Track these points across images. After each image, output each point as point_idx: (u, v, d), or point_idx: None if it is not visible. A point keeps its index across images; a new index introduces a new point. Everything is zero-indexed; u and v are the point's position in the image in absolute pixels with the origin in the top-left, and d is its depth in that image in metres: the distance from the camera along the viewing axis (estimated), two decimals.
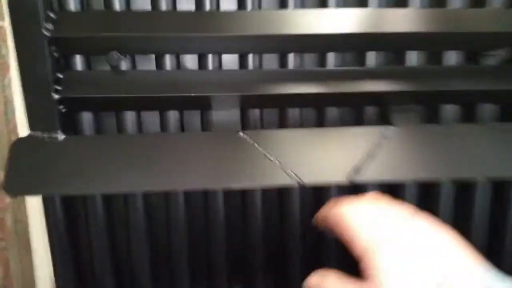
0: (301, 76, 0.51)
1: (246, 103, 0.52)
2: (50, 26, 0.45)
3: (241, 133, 0.50)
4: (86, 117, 0.53)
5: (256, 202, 0.56)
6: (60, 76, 0.48)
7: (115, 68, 0.50)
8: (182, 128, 0.55)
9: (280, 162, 0.48)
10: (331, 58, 0.53)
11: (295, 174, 0.48)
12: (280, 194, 0.58)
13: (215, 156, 0.48)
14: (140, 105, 0.52)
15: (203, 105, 0.52)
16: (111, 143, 0.49)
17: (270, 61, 0.54)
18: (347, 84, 0.51)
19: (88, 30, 0.46)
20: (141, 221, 0.56)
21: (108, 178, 0.47)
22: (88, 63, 0.52)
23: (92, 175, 0.47)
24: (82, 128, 0.53)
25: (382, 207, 0.32)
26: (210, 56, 0.52)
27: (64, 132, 0.49)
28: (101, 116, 0.54)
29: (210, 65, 0.52)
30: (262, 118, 0.55)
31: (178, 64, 0.53)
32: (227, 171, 0.48)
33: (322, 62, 0.54)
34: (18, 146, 0.48)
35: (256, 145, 0.49)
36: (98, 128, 0.54)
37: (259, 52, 0.53)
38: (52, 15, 0.45)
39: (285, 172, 0.48)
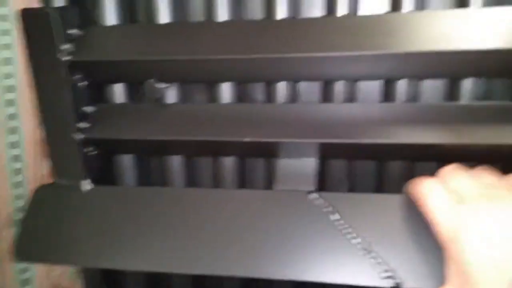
0: (418, 114, 0.33)
1: (329, 152, 0.36)
2: (69, 47, 0.35)
3: (313, 195, 0.33)
4: (126, 160, 0.42)
5: None
6: (88, 110, 0.38)
7: (157, 100, 0.38)
8: (241, 177, 0.40)
9: (369, 250, 0.31)
10: (467, 86, 0.34)
11: (391, 271, 0.30)
12: None
13: (271, 230, 0.33)
14: (188, 149, 0.40)
15: (268, 152, 0.37)
16: (147, 198, 0.37)
17: (366, 90, 0.37)
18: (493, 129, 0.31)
19: (119, 51, 0.35)
20: None
21: (137, 250, 0.35)
22: (131, 93, 0.41)
23: (118, 243, 0.35)
24: (121, 173, 0.42)
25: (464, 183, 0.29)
26: (281, 84, 0.37)
27: (99, 178, 0.39)
28: (144, 158, 0.43)
29: (281, 96, 0.37)
30: (352, 172, 0.39)
31: (238, 95, 0.39)
32: (283, 254, 0.32)
33: (452, 92, 0.35)
34: (38, 195, 0.39)
35: (334, 216, 0.32)
36: (140, 174, 0.43)
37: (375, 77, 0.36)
38: (75, 31, 0.35)
39: (376, 266, 0.30)
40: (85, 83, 0.37)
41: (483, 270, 0.25)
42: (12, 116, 0.38)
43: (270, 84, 0.38)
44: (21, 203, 0.40)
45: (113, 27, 0.37)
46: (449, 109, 0.33)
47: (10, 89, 0.37)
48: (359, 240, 0.31)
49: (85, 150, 0.38)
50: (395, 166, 0.37)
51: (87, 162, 0.38)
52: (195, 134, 0.36)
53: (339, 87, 0.36)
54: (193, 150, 0.40)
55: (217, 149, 0.39)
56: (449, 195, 0.28)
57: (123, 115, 0.38)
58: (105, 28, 0.37)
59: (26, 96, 0.38)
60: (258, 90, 0.39)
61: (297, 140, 0.33)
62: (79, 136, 0.37)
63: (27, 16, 0.34)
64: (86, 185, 0.38)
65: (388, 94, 0.36)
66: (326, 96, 0.37)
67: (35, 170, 0.40)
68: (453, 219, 0.27)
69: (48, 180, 0.42)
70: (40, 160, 0.41)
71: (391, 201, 0.32)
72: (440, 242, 0.28)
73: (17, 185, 0.39)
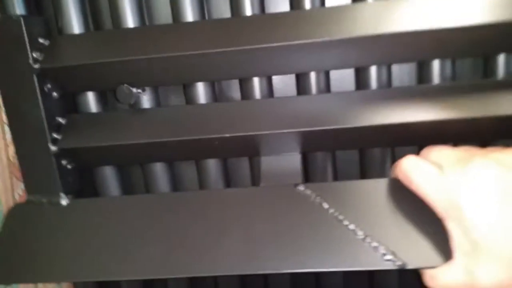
0: (392, 97, 0.34)
1: (311, 143, 0.36)
2: (39, 55, 0.34)
3: (301, 187, 0.33)
4: (107, 172, 0.40)
5: None
6: (61, 120, 0.37)
7: (131, 106, 0.38)
8: (226, 179, 0.40)
9: (365, 234, 0.31)
10: (436, 67, 0.35)
11: (391, 253, 0.30)
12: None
13: (263, 225, 0.32)
14: (168, 153, 0.39)
15: (251, 149, 0.37)
16: (130, 206, 0.35)
17: (340, 79, 0.38)
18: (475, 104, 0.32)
19: (89, 56, 0.34)
20: None
21: (125, 258, 0.33)
22: (104, 102, 0.40)
23: (103, 255, 0.33)
24: (102, 187, 0.41)
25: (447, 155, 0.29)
26: (256, 80, 0.37)
27: (79, 193, 0.37)
28: (125, 169, 0.42)
29: (257, 92, 0.37)
30: (334, 163, 0.39)
31: (214, 95, 0.39)
32: (280, 247, 0.31)
33: (422, 75, 0.36)
34: (12, 215, 0.37)
35: (325, 205, 0.32)
36: (122, 185, 0.41)
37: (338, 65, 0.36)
38: (42, 41, 0.34)
39: (376, 249, 0.30)
40: (56, 93, 0.36)
41: (490, 228, 0.25)
42: None
43: (245, 81, 0.38)
44: None
45: (79, 35, 0.36)
46: (422, 90, 0.34)
47: None
48: (353, 226, 0.31)
49: (60, 162, 0.36)
50: (376, 154, 0.37)
51: (63, 175, 0.37)
52: (173, 135, 0.35)
53: (313, 78, 0.36)
54: (173, 154, 0.39)
55: (198, 151, 0.38)
56: (432, 167, 0.28)
57: (97, 123, 0.37)
58: (72, 36, 0.36)
59: None
60: (233, 88, 0.39)
61: (278, 131, 0.33)
62: (53, 148, 0.35)
63: None
64: (64, 199, 0.36)
65: (361, 82, 0.36)
66: (301, 88, 0.37)
67: (7, 194, 0.38)
68: (444, 189, 0.27)
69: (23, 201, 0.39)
70: (11, 182, 0.39)
71: (378, 185, 0.32)
72: (439, 215, 0.28)
73: None
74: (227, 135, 0.33)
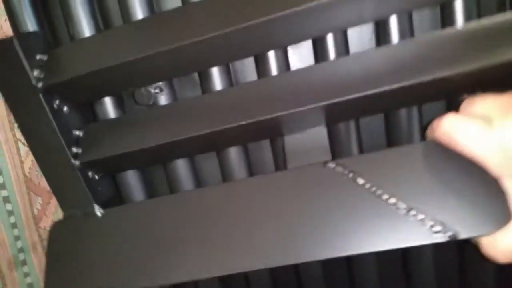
0: (418, 47, 0.30)
1: (335, 115, 0.33)
2: (39, 72, 0.33)
3: (331, 164, 0.31)
4: (129, 177, 0.40)
5: None
6: (78, 133, 0.36)
7: (151, 107, 0.36)
8: (249, 167, 0.38)
9: (408, 207, 0.28)
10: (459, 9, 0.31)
11: (440, 223, 0.27)
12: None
13: (296, 210, 0.30)
14: (189, 148, 0.37)
15: (273, 131, 0.34)
16: (161, 209, 0.35)
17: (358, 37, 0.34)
18: None
19: (90, 63, 0.33)
20: None
21: (171, 261, 0.32)
22: (121, 104, 0.39)
23: (149, 260, 0.33)
24: (129, 192, 0.40)
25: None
26: (271, 56, 0.34)
27: (107, 202, 0.37)
28: (147, 170, 0.41)
29: (273, 69, 0.35)
30: (359, 134, 0.36)
31: (230, 80, 0.36)
32: (317, 232, 0.29)
33: (445, 18, 0.31)
34: (54, 232, 0.37)
35: (360, 181, 0.29)
36: (147, 186, 0.41)
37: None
38: (40, 57, 0.33)
39: (422, 222, 0.27)
40: (67, 107, 0.35)
41: None
42: None
43: (261, 60, 0.35)
44: (20, 244, 0.38)
45: (78, 42, 0.35)
46: (449, 36, 0.30)
47: None
48: (394, 199, 0.28)
49: (86, 175, 0.36)
50: (403, 117, 0.34)
51: (92, 186, 0.36)
52: (191, 130, 0.33)
53: (330, 42, 0.33)
54: (193, 149, 0.37)
55: (219, 141, 0.36)
56: (479, 122, 0.25)
57: (115, 129, 0.36)
58: (69, 45, 0.35)
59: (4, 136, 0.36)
60: (248, 69, 0.36)
61: (300, 109, 0.30)
62: (76, 163, 0.35)
63: None
64: (98, 210, 0.36)
65: (381, 37, 0.32)
66: (320, 56, 0.34)
67: (26, 209, 0.38)
68: (497, 144, 0.24)
69: (42, 215, 0.40)
70: (29, 197, 0.39)
71: (414, 152, 0.29)
72: (493, 174, 0.25)
73: (13, 226, 0.37)
74: (243, 122, 0.31)
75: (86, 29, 0.35)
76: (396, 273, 0.41)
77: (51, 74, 0.33)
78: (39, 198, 0.38)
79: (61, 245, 0.36)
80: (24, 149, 0.36)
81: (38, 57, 0.33)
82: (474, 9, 0.31)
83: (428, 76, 0.27)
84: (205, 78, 0.36)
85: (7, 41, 0.32)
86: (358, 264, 0.40)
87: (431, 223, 0.27)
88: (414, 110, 0.33)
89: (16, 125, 0.35)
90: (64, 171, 0.35)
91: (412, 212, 0.28)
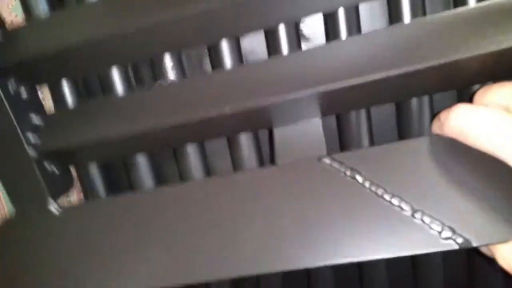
0: (431, 27, 0.27)
1: (333, 104, 0.29)
2: None
3: (327, 160, 0.27)
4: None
5: None
6: (37, 120, 0.31)
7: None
8: (233, 165, 0.34)
9: (413, 209, 0.24)
10: None
11: (449, 229, 0.24)
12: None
13: (288, 211, 0.26)
14: (157, 141, 0.33)
15: (259, 122, 0.31)
16: (126, 207, 0.30)
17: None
18: None
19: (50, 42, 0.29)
20: None
21: (130, 267, 0.28)
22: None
23: (96, 266, 0.29)
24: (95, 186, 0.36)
25: None
26: (282, 30, 0.30)
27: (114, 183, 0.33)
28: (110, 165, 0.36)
29: (284, 45, 0.30)
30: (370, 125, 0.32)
31: (240, 56, 0.32)
32: (310, 237, 0.25)
33: None
34: (1, 233, 0.32)
35: (359, 178, 0.26)
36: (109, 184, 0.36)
37: None
38: None
39: (429, 226, 0.24)
40: (25, 90, 0.31)
41: None
42: None
43: (270, 34, 0.31)
44: None
45: (34, 20, 0.30)
46: (463, 15, 0.27)
47: None
48: (397, 200, 0.25)
49: (44, 167, 0.31)
50: (413, 106, 0.31)
51: (49, 181, 0.32)
52: (162, 120, 0.29)
53: (342, 18, 0.29)
54: (160, 141, 0.33)
55: (198, 134, 0.32)
56: (497, 111, 0.22)
57: (81, 117, 0.32)
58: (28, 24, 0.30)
59: None
60: (258, 46, 0.33)
61: (293, 96, 0.27)
62: (31, 153, 0.30)
63: None
64: (54, 208, 0.31)
65: (393, 14, 0.29)
66: (331, 33, 0.31)
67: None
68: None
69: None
70: None
71: (419, 147, 0.26)
72: None
73: None
74: (225, 111, 0.27)
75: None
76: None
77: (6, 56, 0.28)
78: None
79: (8, 246, 0.31)
80: None
81: None
82: None
83: (439, 59, 0.24)
84: (214, 52, 0.32)
85: None
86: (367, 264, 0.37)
87: (439, 228, 0.24)
88: (425, 100, 0.30)
89: None
90: (17, 161, 0.31)
91: (418, 215, 0.24)
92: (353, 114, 0.32)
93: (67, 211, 0.31)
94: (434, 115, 0.26)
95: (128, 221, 0.30)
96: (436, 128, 0.25)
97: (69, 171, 0.35)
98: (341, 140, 0.33)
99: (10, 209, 0.33)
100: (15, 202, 0.32)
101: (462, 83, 0.28)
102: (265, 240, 0.26)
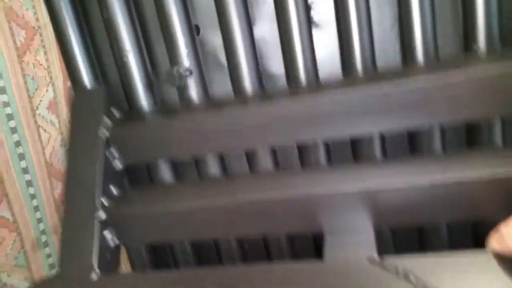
0: None
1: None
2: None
3: (377, 260, 0.27)
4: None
5: None
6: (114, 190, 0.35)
7: (180, 89, 0.37)
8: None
9: None
10: None
11: None
12: None
13: None
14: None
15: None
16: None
17: None
18: None
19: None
20: None
21: None
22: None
23: None
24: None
25: None
26: None
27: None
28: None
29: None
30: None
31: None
32: None
33: None
34: None
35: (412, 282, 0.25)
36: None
37: None
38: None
39: None
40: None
41: None
42: (18, 143, 0.34)
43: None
44: (42, 226, 0.35)
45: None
46: None
47: (10, 117, 0.34)
48: None
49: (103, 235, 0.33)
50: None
51: (102, 249, 0.33)
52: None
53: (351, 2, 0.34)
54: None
55: None
56: None
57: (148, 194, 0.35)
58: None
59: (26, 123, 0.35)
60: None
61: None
62: (100, 215, 0.32)
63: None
64: (96, 275, 0.31)
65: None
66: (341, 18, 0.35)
67: (47, 193, 0.36)
68: None
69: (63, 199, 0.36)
70: (51, 183, 0.36)
71: (474, 260, 0.25)
72: None
73: (35, 209, 0.35)
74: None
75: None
76: None
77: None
78: (60, 183, 0.36)
79: None
80: (45, 135, 0.36)
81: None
82: None
83: None
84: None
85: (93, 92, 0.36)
86: None
87: None
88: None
89: (37, 111, 0.35)
90: (83, 222, 0.32)
91: None
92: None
93: (104, 279, 0.31)
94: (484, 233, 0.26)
95: None
96: (492, 246, 0.25)
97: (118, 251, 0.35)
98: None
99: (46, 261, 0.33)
100: (62, 262, 0.32)
101: None
102: None
